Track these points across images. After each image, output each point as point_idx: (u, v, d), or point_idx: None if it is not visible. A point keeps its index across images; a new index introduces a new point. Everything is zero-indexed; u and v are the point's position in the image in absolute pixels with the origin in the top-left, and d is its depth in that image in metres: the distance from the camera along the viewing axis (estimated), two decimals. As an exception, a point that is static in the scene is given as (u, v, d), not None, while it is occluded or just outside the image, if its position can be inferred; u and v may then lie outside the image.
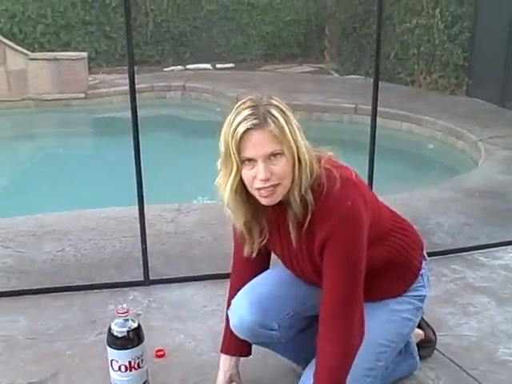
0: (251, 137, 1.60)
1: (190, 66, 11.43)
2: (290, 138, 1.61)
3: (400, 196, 4.48)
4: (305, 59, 11.97)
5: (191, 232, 3.91)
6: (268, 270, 2.05)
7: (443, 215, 4.17)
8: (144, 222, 3.18)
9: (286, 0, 11.87)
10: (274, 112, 1.61)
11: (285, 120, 1.62)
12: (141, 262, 3.23)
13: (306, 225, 1.71)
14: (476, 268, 3.37)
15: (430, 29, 8.82)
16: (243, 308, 1.93)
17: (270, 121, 1.60)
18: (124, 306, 2.23)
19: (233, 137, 1.61)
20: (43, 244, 3.73)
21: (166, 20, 11.67)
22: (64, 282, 3.22)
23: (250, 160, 1.63)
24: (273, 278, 2.01)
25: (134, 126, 3.01)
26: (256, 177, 1.63)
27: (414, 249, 2.01)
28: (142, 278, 3.22)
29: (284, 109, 1.65)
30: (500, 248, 3.63)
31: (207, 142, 6.94)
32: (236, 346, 2.07)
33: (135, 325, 2.21)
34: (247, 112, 1.61)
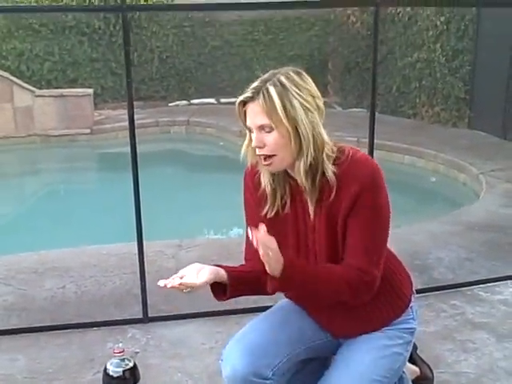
0: (248, 107, 1.75)
1: (194, 101, 11.55)
2: (282, 114, 1.69)
3: (400, 230, 4.48)
4: (308, 93, 12.00)
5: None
6: (258, 316, 2.05)
7: (443, 250, 4.17)
8: (143, 259, 3.21)
9: (289, 35, 12.01)
10: (271, 88, 1.71)
11: (281, 97, 1.70)
12: (140, 299, 3.24)
13: (332, 195, 1.75)
14: (476, 303, 3.36)
15: (431, 62, 8.91)
16: (235, 358, 1.87)
17: (261, 96, 1.71)
18: (120, 345, 2.24)
19: (237, 107, 1.78)
20: (44, 281, 3.76)
21: (171, 56, 11.81)
22: (64, 320, 3.24)
23: (249, 128, 1.78)
24: (263, 324, 1.98)
25: (133, 163, 3.05)
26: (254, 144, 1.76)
27: (404, 278, 2.03)
28: (141, 316, 3.23)
29: (289, 85, 1.73)
30: (501, 283, 3.62)
31: (210, 176, 7.04)
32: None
33: (131, 364, 2.22)
34: (251, 85, 1.75)
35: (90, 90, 9.70)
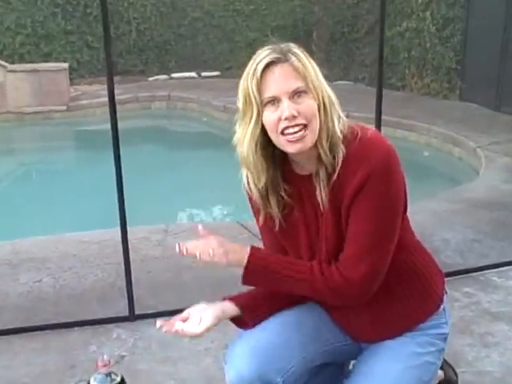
0: (273, 72, 1.48)
1: (174, 75, 11.24)
2: (314, 75, 1.49)
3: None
4: (292, 65, 11.70)
5: (180, 256, 3.60)
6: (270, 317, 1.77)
7: (449, 230, 3.91)
8: (127, 249, 2.90)
9: (272, 5, 11.64)
10: (296, 50, 1.51)
11: (307, 58, 1.51)
12: (125, 293, 2.94)
13: (334, 176, 1.52)
14: (490, 290, 3.11)
15: (421, 32, 8.64)
16: (241, 361, 1.65)
17: (291, 55, 1.49)
18: (105, 356, 1.93)
19: (253, 76, 1.48)
20: (19, 274, 3.44)
21: (149, 28, 11.44)
22: (41, 320, 2.93)
23: (273, 100, 1.49)
24: (274, 322, 1.73)
25: (114, 144, 2.74)
26: (280, 118, 1.48)
27: (436, 274, 1.77)
28: (127, 313, 2.93)
29: (305, 52, 1.54)
30: (513, 266, 3.38)
31: (194, 154, 6.68)
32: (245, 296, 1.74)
33: (118, 379, 1.92)
34: (266, 52, 1.50)
35: (65, 65, 9.27)
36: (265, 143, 1.53)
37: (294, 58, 1.48)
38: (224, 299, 1.67)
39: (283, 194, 1.61)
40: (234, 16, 11.76)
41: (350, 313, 1.71)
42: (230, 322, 1.67)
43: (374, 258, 1.54)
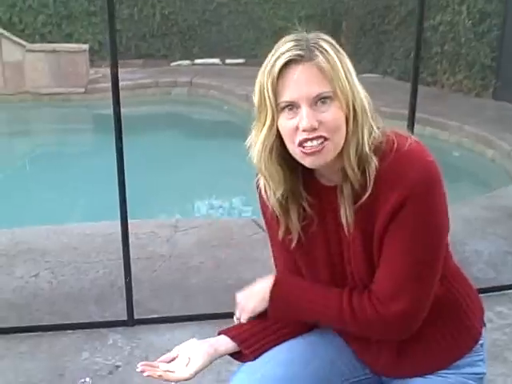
0: (292, 73, 1.22)
1: (197, 61, 10.93)
2: (344, 78, 1.23)
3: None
4: (319, 56, 11.40)
5: (188, 255, 3.37)
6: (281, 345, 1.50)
7: (481, 241, 3.61)
8: (128, 248, 2.65)
9: (300, -7, 11.31)
10: (324, 45, 1.25)
11: (337, 56, 1.25)
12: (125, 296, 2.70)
13: (364, 197, 1.27)
14: (527, 311, 2.82)
15: (456, 26, 8.26)
16: None
17: (318, 53, 1.23)
18: (87, 379, 1.68)
19: (269, 74, 1.23)
20: (15, 266, 3.23)
21: (173, 12, 11.13)
22: (33, 319, 2.71)
23: (290, 105, 1.24)
24: (284, 353, 1.47)
25: (116, 136, 2.49)
26: (298, 127, 1.23)
27: (475, 306, 1.51)
28: (126, 317, 2.68)
29: (337, 46, 1.27)
30: (553, 285, 3.07)
31: (213, 143, 6.40)
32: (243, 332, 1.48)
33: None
34: (289, 44, 1.24)
35: (86, 46, 9.04)
36: (282, 150, 1.29)
37: (320, 57, 1.22)
38: (219, 333, 1.46)
39: (305, 205, 1.36)
40: (261, 3, 11.41)
41: (372, 343, 1.45)
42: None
43: (414, 293, 1.30)
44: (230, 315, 2.80)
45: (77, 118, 8.48)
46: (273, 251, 1.52)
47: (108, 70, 9.45)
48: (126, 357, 2.47)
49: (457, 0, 8.25)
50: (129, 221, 3.74)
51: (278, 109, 1.24)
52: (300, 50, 1.21)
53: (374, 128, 1.28)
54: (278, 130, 1.26)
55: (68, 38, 10.18)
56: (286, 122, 1.24)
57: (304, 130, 1.21)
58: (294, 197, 1.35)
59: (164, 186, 5.08)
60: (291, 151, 1.27)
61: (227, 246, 3.47)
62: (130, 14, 10.84)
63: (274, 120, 1.25)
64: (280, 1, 11.45)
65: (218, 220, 3.76)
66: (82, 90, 8.65)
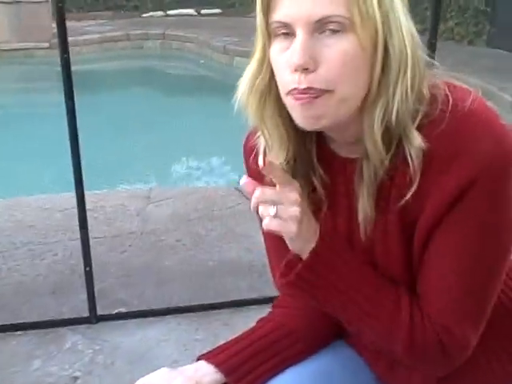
0: None
1: (171, 12, 10.45)
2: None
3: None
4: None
5: (162, 231, 2.93)
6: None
7: None
8: (87, 232, 2.18)
9: None
10: None
11: None
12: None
13: (409, 193, 0.87)
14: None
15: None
16: None
17: None
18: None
19: None
20: (-41, 250, 2.75)
21: (144, -42, 10.51)
22: (-25, 317, 2.24)
23: (284, 29, 0.84)
24: (293, 374, 1.06)
25: (66, 85, 2.04)
26: (288, 61, 0.84)
27: None
28: (87, 313, 2.24)
29: None
30: None
31: (189, 100, 5.83)
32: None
33: None
34: None
35: (49, -4, 8.38)
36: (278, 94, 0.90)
37: None
38: (199, 358, 1.03)
39: (316, 182, 0.96)
40: None
41: (402, 365, 1.05)
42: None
43: (477, 316, 0.93)
44: (210, 307, 2.38)
45: (40, 75, 7.88)
46: (265, 239, 1.09)
47: (74, 24, 8.56)
48: (86, 364, 2.04)
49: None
50: (94, 192, 3.27)
51: (270, 32, 0.85)
52: None
53: (421, 85, 0.86)
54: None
55: (30, -11, 9.48)
56: (276, 55, 0.86)
57: (295, 70, 0.82)
58: (303, 166, 0.95)
59: (136, 149, 4.58)
60: (284, 101, 0.88)
61: (208, 219, 3.02)
62: (98, -40, 10.17)
63: (264, 49, 0.87)
64: None
65: (196, 189, 3.31)
66: (47, 44, 8.02)
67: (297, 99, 0.83)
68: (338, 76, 0.82)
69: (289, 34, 0.83)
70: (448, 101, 0.86)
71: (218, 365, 1.01)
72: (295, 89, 0.83)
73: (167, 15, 10.41)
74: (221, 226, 2.94)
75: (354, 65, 0.82)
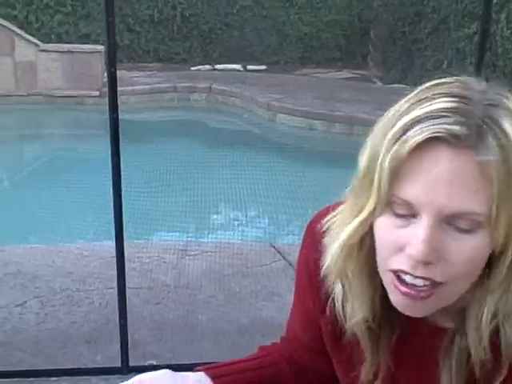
0: (432, 160, 0.70)
1: (218, 66, 10.58)
2: None
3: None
4: (345, 64, 10.97)
5: (196, 286, 2.96)
6: None
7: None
8: (124, 287, 2.23)
9: (327, -2, 10.92)
10: (506, 124, 0.69)
11: None
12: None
13: (504, 371, 0.79)
14: None
15: (492, 36, 7.75)
16: None
17: (491, 139, 0.68)
18: None
19: (392, 145, 0.70)
20: (1, 292, 2.82)
21: (194, 14, 10.78)
22: (12, 361, 2.30)
23: (407, 208, 0.72)
24: None
25: (112, 146, 2.11)
26: (403, 248, 0.73)
27: None
28: (119, 363, 2.27)
29: None
30: None
31: (231, 154, 5.88)
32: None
33: None
34: (445, 103, 0.70)
35: (101, 47, 8.66)
36: (374, 252, 0.79)
37: (493, 149, 0.68)
38: (197, 370, 0.95)
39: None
40: (286, 7, 11.04)
41: None
42: None
43: None
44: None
45: (90, 123, 8.12)
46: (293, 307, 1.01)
47: (124, 73, 8.82)
48: (115, 416, 2.05)
49: (495, 8, 7.77)
50: (133, 242, 3.34)
51: (386, 201, 0.73)
52: (462, 125, 0.68)
53: None
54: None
55: (85, 39, 9.84)
56: (387, 228, 0.75)
57: (411, 257, 0.72)
58: (388, 324, 0.85)
59: (176, 200, 4.65)
60: (380, 271, 0.79)
61: (243, 276, 3.05)
62: (150, 15, 10.52)
63: (373, 214, 0.75)
64: (305, 5, 11.10)
65: (232, 244, 3.36)
66: (97, 93, 8.29)
67: (401, 290, 0.74)
68: (460, 272, 0.73)
69: (408, 213, 0.72)
70: None
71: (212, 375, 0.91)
72: (403, 271, 0.73)
73: (214, 69, 10.51)
74: (254, 283, 2.97)
75: (478, 263, 0.73)
